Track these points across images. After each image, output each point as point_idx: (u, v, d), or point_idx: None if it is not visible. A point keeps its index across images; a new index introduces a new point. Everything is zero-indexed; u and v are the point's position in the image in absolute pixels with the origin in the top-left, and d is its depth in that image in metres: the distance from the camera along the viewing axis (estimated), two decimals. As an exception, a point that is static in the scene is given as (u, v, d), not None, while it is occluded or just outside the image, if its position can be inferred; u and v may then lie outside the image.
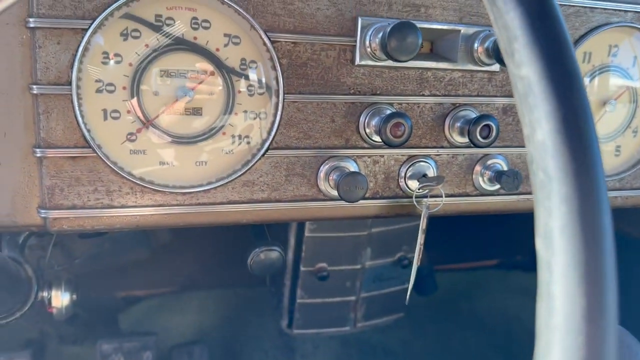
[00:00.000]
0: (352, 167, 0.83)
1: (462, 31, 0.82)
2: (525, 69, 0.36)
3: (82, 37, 0.69)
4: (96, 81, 0.71)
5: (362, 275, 1.39)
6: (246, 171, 0.79)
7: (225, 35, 0.75)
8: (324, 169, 0.82)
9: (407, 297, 0.90)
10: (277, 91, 0.77)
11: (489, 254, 1.84)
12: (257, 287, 1.59)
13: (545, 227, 0.34)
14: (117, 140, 0.74)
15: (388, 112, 0.81)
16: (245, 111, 0.78)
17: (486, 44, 0.81)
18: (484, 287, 1.83)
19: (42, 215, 0.73)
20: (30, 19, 0.67)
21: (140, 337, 1.44)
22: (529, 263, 1.83)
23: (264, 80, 0.78)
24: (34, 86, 0.69)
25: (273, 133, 0.79)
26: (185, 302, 1.57)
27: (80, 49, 0.69)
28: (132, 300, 1.52)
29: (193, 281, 1.57)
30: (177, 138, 0.76)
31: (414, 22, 0.78)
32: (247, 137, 0.79)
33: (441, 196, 0.87)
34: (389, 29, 0.72)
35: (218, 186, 0.78)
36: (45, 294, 0.94)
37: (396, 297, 1.47)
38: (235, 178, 0.79)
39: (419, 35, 0.72)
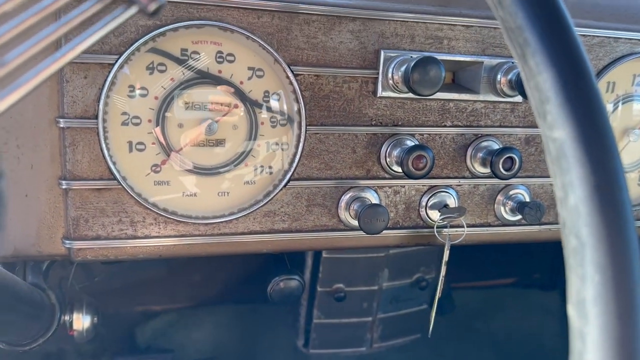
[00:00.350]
0: (373, 197, 0.83)
1: (484, 62, 0.82)
2: (558, 132, 0.36)
3: (109, 72, 0.70)
4: (122, 114, 0.72)
5: (379, 296, 1.38)
6: (268, 202, 0.79)
7: (249, 68, 0.75)
8: (344, 199, 0.82)
9: (430, 329, 0.89)
10: (300, 123, 0.78)
11: (506, 272, 1.82)
12: (273, 305, 1.59)
13: (577, 295, 0.34)
14: (141, 172, 0.74)
15: (410, 143, 0.81)
16: (268, 142, 0.78)
17: (509, 76, 0.81)
18: (501, 306, 1.81)
19: (67, 246, 0.74)
20: (59, 54, 0.68)
21: (157, 354, 1.45)
22: (547, 281, 1.81)
23: (286, 111, 0.78)
24: (61, 120, 0.70)
25: (295, 164, 0.79)
26: (202, 318, 1.57)
27: (107, 83, 0.70)
28: (149, 317, 1.53)
29: (210, 298, 1.57)
30: (201, 169, 0.77)
31: (436, 54, 0.78)
32: (269, 167, 0.79)
33: (462, 226, 0.87)
34: (412, 64, 0.72)
35: (240, 217, 0.78)
36: (67, 317, 0.95)
37: (413, 319, 1.46)
38: (257, 208, 0.79)
39: (442, 70, 0.72)
